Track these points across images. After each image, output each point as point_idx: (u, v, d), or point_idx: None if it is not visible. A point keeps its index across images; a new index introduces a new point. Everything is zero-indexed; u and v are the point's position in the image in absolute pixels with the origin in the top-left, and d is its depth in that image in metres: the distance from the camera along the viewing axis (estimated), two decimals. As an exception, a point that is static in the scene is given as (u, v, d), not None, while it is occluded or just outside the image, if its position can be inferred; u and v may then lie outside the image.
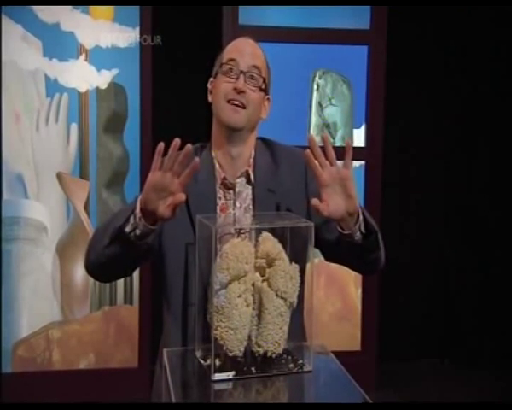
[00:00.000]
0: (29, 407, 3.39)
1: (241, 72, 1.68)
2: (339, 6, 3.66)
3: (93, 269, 1.69)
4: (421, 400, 3.73)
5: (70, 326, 3.63)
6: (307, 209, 1.72)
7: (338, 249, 1.66)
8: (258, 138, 1.78)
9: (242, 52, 1.71)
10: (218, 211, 1.71)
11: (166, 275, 1.73)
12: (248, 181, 1.74)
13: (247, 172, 1.73)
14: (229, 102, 1.67)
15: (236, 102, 1.67)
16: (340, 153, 3.90)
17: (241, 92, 1.67)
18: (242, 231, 1.64)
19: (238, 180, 1.73)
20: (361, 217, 1.58)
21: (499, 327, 4.19)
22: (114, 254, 1.58)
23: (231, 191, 1.73)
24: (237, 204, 1.73)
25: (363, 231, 1.59)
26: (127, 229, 1.53)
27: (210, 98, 1.76)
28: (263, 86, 1.71)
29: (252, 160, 1.74)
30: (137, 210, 1.52)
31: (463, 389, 3.87)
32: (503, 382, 3.92)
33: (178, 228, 1.67)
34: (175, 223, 1.63)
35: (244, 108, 1.68)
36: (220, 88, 1.69)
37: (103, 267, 1.65)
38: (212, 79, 1.76)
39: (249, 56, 1.71)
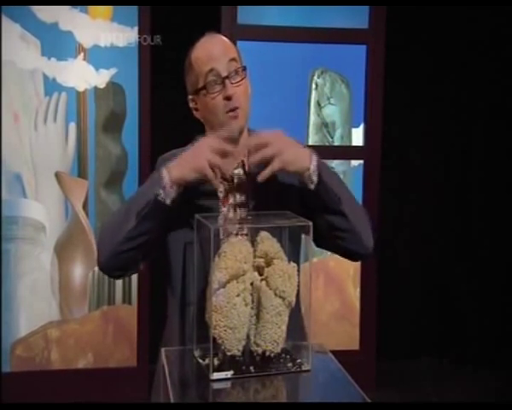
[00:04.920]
0: (28, 406, 3.39)
1: (225, 77, 1.65)
2: (337, 5, 3.66)
3: (112, 261, 1.66)
4: (420, 399, 3.73)
5: (68, 326, 3.63)
6: (300, 195, 1.72)
7: (323, 230, 1.68)
8: (249, 130, 1.78)
9: (216, 56, 1.67)
10: (220, 204, 1.73)
11: (170, 274, 1.75)
12: (244, 171, 1.75)
13: (242, 162, 1.75)
14: (226, 112, 1.66)
15: (233, 109, 1.66)
16: (339, 152, 3.93)
17: (232, 97, 1.66)
18: (242, 232, 1.65)
19: (235, 171, 1.75)
20: (313, 168, 1.61)
21: (499, 327, 4.19)
22: (143, 232, 1.60)
23: (231, 183, 1.74)
24: (237, 195, 1.74)
25: (315, 180, 1.62)
26: (160, 199, 1.57)
27: (197, 115, 1.74)
28: (245, 74, 1.70)
29: (246, 150, 1.75)
30: (167, 180, 1.57)
31: (463, 388, 3.87)
32: (503, 382, 3.92)
33: (181, 227, 1.67)
34: (178, 222, 1.64)
35: (238, 107, 1.67)
36: (212, 104, 1.66)
37: (121, 257, 1.63)
38: (191, 96, 1.73)
39: (223, 55, 1.67)
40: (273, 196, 1.70)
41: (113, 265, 1.68)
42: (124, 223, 1.61)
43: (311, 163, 1.61)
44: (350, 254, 1.80)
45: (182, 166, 1.58)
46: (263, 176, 1.59)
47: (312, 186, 1.62)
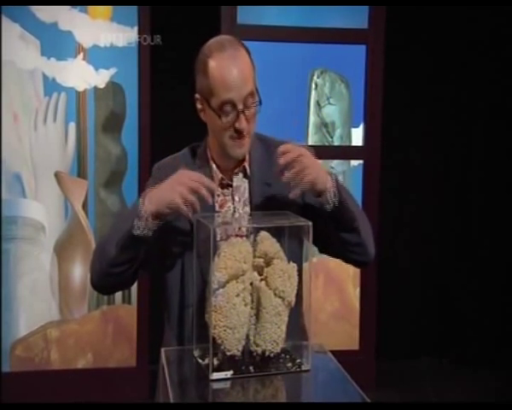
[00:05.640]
0: (27, 406, 3.38)
1: (240, 111, 1.62)
2: (337, 5, 3.65)
3: (100, 283, 1.72)
4: (420, 399, 3.73)
5: (68, 326, 3.62)
6: (302, 200, 1.72)
7: (328, 237, 1.69)
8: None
9: (236, 87, 1.60)
10: (217, 207, 1.72)
11: (167, 276, 1.75)
12: (245, 175, 1.75)
13: (243, 167, 1.75)
14: (232, 138, 1.65)
15: (240, 138, 1.64)
16: (339, 152, 3.92)
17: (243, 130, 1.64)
18: (240, 233, 1.64)
19: (235, 176, 1.75)
20: (333, 189, 1.63)
21: (499, 327, 4.19)
22: (124, 261, 1.62)
23: (229, 188, 1.74)
24: (236, 198, 1.74)
25: (336, 201, 1.63)
26: (137, 233, 1.57)
27: (202, 117, 1.71)
28: (258, 106, 1.66)
29: (247, 155, 1.75)
30: (143, 212, 1.57)
31: (462, 388, 3.87)
32: (503, 382, 3.92)
33: (177, 229, 1.67)
34: (174, 225, 1.64)
35: (247, 135, 1.66)
36: (220, 127, 1.64)
37: (111, 279, 1.68)
38: (199, 96, 1.68)
39: (243, 87, 1.61)
40: (274, 201, 1.70)
41: (102, 285, 1.74)
42: (107, 250, 1.63)
43: (330, 185, 1.62)
44: (355, 264, 1.86)
45: (157, 199, 1.57)
46: (294, 195, 1.61)
47: (330, 207, 1.63)
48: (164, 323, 1.81)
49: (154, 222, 1.58)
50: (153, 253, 1.68)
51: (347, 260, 1.81)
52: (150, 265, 1.74)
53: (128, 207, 1.71)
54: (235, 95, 1.61)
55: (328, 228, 1.67)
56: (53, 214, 3.57)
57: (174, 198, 1.54)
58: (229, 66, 1.62)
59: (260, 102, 1.66)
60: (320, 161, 1.66)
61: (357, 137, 3.83)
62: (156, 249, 1.69)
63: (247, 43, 1.70)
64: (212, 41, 1.69)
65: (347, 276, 3.83)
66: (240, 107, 1.62)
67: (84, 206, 3.59)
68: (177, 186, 1.55)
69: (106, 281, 1.69)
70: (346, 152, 3.85)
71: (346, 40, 3.73)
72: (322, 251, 1.78)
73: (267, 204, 1.70)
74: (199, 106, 1.70)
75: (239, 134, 1.64)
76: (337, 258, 1.82)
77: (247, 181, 1.75)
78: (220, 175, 1.74)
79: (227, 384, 1.44)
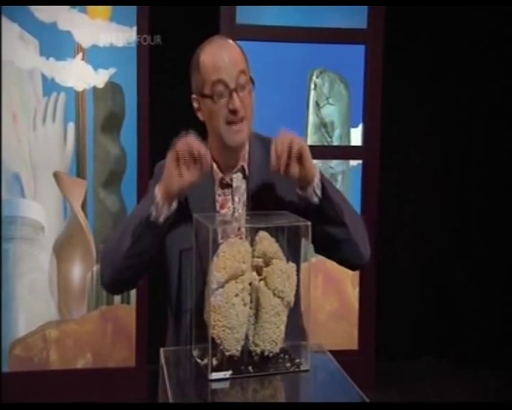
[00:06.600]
0: (27, 406, 3.38)
1: (232, 89, 1.63)
2: (336, 5, 3.65)
3: (113, 281, 1.72)
4: (420, 399, 3.72)
5: (67, 326, 3.62)
6: (298, 202, 1.72)
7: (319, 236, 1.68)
8: (251, 133, 1.77)
9: (226, 67, 1.64)
10: (218, 207, 1.73)
11: (169, 277, 1.75)
12: (244, 176, 1.76)
13: (242, 167, 1.75)
14: (228, 123, 1.65)
15: (237, 122, 1.65)
16: (338, 152, 3.93)
17: (238, 110, 1.65)
18: (240, 234, 1.64)
19: (234, 176, 1.75)
20: (316, 182, 1.62)
21: (499, 327, 4.19)
22: (138, 252, 1.63)
23: (230, 188, 1.75)
24: (236, 199, 1.75)
25: (319, 194, 1.62)
26: (152, 219, 1.60)
27: (200, 115, 1.72)
28: (251, 86, 1.69)
29: (247, 155, 1.75)
30: (158, 199, 1.59)
31: (463, 388, 3.87)
32: (503, 382, 3.91)
33: (179, 231, 1.68)
34: (176, 225, 1.65)
35: (243, 119, 1.66)
36: (216, 114, 1.65)
37: (124, 275, 1.68)
38: (195, 96, 1.71)
39: (233, 67, 1.64)
40: (272, 201, 1.70)
41: (116, 283, 1.74)
42: (122, 243, 1.64)
43: (316, 178, 1.62)
44: (347, 264, 1.82)
45: (163, 183, 1.60)
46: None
47: (317, 200, 1.63)
48: (166, 319, 1.82)
49: (166, 207, 1.60)
50: (155, 251, 1.68)
51: (341, 262, 1.79)
52: (151, 263, 1.74)
53: (140, 203, 1.74)
54: (226, 74, 1.64)
55: (315, 224, 1.66)
56: (52, 214, 3.57)
57: (169, 163, 1.57)
58: (218, 50, 1.67)
59: (253, 82, 1.68)
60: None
61: (357, 137, 3.82)
62: (158, 247, 1.69)
63: (246, 43, 1.74)
64: (204, 42, 1.74)
65: (346, 276, 3.83)
66: (232, 86, 1.63)
67: (84, 206, 3.59)
68: (170, 167, 1.58)
69: (120, 277, 1.69)
70: (346, 152, 3.84)
71: (346, 40, 3.72)
72: (316, 251, 1.78)
73: (266, 204, 1.70)
74: (195, 105, 1.72)
75: (234, 115, 1.64)
76: (331, 258, 1.81)
77: (246, 181, 1.75)
78: (220, 175, 1.74)
79: (226, 384, 1.44)
